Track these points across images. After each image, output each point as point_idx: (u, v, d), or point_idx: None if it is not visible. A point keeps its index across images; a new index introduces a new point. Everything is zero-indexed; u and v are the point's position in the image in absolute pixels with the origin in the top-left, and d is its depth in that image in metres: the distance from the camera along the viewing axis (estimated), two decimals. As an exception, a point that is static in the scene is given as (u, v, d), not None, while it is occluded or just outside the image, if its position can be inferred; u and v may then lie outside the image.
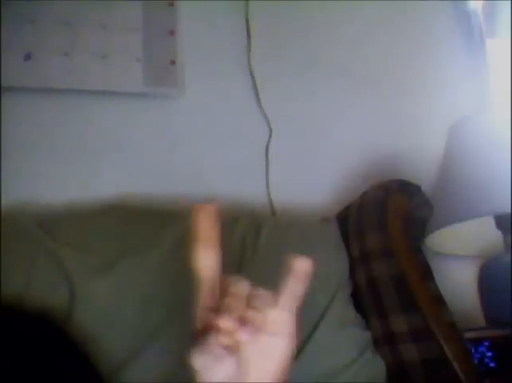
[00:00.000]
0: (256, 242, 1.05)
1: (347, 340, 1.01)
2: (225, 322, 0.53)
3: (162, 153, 1.26)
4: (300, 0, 1.40)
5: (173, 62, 1.28)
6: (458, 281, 1.28)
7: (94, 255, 0.98)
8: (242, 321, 0.54)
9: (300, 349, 0.96)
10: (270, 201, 1.28)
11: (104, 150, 1.23)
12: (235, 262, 1.01)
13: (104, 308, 0.93)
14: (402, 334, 1.02)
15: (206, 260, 0.56)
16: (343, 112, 1.39)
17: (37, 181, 1.16)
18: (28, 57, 1.19)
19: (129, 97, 1.26)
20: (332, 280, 1.05)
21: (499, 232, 1.15)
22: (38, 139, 1.19)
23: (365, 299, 1.08)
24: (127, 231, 1.03)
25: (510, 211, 1.02)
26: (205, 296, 0.56)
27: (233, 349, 0.54)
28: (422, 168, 1.31)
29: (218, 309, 0.55)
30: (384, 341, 1.04)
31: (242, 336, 0.53)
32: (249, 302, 0.55)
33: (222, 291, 0.56)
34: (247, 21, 1.34)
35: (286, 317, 0.56)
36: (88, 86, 1.23)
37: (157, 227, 1.03)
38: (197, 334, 0.56)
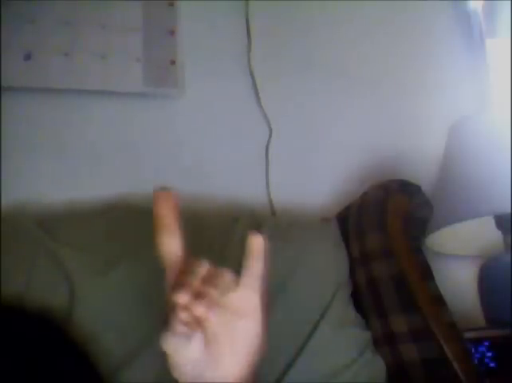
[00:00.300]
0: (256, 242, 1.05)
1: (347, 340, 1.01)
2: (181, 297, 0.53)
3: (162, 153, 1.26)
4: (300, 0, 1.40)
5: (173, 62, 1.28)
6: (458, 281, 1.28)
7: (94, 255, 0.98)
8: (198, 296, 0.54)
9: (300, 349, 0.96)
10: (270, 201, 1.28)
11: (104, 150, 1.23)
12: (235, 261, 1.01)
13: (104, 308, 0.93)
14: (402, 334, 1.02)
15: (169, 246, 0.57)
16: (343, 112, 1.39)
17: (37, 181, 1.16)
18: (28, 57, 1.19)
19: (129, 97, 1.26)
20: (332, 280, 1.05)
21: (499, 232, 1.15)
22: (38, 139, 1.19)
23: (365, 299, 1.08)
24: (127, 231, 1.03)
25: (510, 211, 1.02)
26: (171, 281, 0.57)
27: (195, 326, 0.55)
28: (422, 168, 1.31)
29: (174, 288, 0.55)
30: (384, 341, 1.04)
31: (199, 309, 0.54)
32: (209, 281, 0.55)
33: (182, 272, 0.57)
34: (247, 21, 1.34)
35: (251, 297, 0.57)
36: (88, 86, 1.23)
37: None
38: (166, 319, 0.56)
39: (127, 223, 1.05)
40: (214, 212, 1.17)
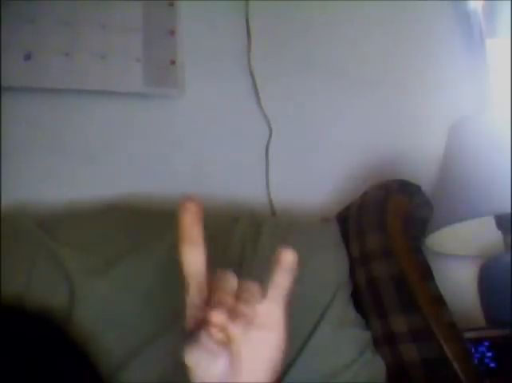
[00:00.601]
0: (256, 242, 1.05)
1: (347, 340, 1.01)
2: (217, 316, 0.53)
3: (162, 153, 1.26)
4: (300, 0, 1.40)
5: (173, 62, 1.28)
6: (458, 281, 1.28)
7: (94, 255, 0.98)
8: (234, 315, 0.54)
9: (300, 349, 0.96)
10: (270, 201, 1.28)
11: (104, 150, 1.23)
12: (235, 262, 1.01)
13: (104, 308, 0.93)
14: (402, 334, 1.02)
15: (192, 257, 0.56)
16: (343, 112, 1.39)
17: (37, 181, 1.16)
18: (28, 57, 1.19)
19: (129, 97, 1.26)
20: (332, 280, 1.05)
21: (499, 232, 1.15)
22: (38, 139, 1.19)
23: (365, 299, 1.08)
24: (127, 231, 1.03)
25: (510, 211, 1.02)
26: (193, 293, 0.56)
27: (226, 344, 0.54)
28: (422, 168, 1.31)
29: (208, 305, 0.54)
30: (384, 341, 1.04)
31: (235, 329, 0.53)
32: (238, 296, 0.55)
33: (210, 287, 0.56)
34: (247, 21, 1.34)
35: (275, 310, 0.56)
36: (88, 86, 1.23)
37: (157, 226, 1.03)
38: (189, 332, 0.56)
39: (127, 223, 1.05)
40: (214, 212, 1.17)
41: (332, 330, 1.00)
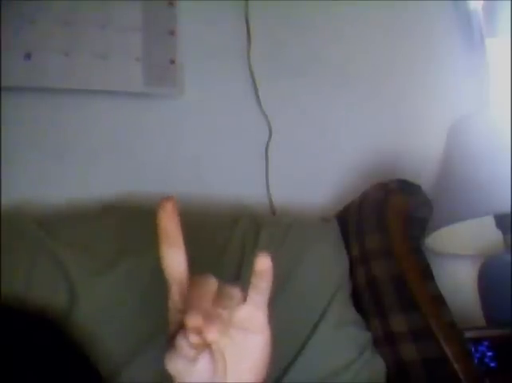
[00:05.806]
0: (256, 242, 1.05)
1: (347, 340, 1.01)
2: (192, 320, 0.52)
3: (162, 153, 1.26)
4: (300, 0, 1.40)
5: (173, 62, 1.28)
6: (458, 281, 1.28)
7: (94, 255, 0.98)
8: (209, 318, 0.53)
9: (300, 349, 0.96)
10: (270, 201, 1.28)
11: (104, 150, 1.23)
12: (235, 262, 1.01)
13: (104, 308, 0.93)
14: (402, 334, 1.02)
15: (172, 258, 0.55)
16: (343, 112, 1.39)
17: (37, 181, 1.16)
18: (28, 56, 1.19)
19: (129, 97, 1.26)
20: (332, 280, 1.05)
21: (499, 232, 1.15)
22: (38, 139, 1.19)
23: (365, 299, 1.08)
24: (127, 231, 1.03)
25: (510, 211, 1.02)
26: (175, 296, 0.55)
27: (203, 348, 0.53)
28: (422, 168, 1.31)
29: (186, 309, 0.54)
30: (384, 341, 1.04)
31: (210, 332, 0.52)
32: (217, 300, 0.53)
33: (191, 290, 0.55)
34: (247, 21, 1.34)
35: (257, 312, 0.56)
36: (88, 86, 1.23)
37: (157, 226, 1.03)
38: (170, 338, 0.55)
39: (126, 223, 1.05)
40: (214, 212, 1.17)
41: (332, 330, 1.00)
